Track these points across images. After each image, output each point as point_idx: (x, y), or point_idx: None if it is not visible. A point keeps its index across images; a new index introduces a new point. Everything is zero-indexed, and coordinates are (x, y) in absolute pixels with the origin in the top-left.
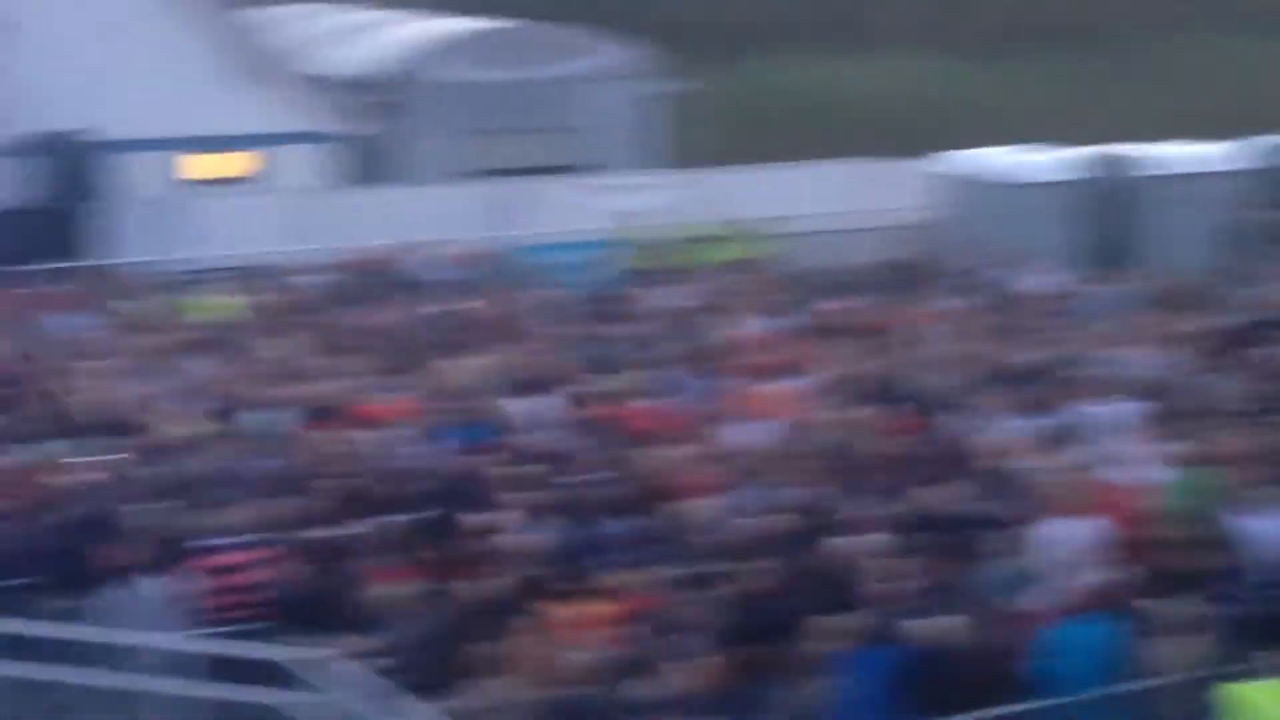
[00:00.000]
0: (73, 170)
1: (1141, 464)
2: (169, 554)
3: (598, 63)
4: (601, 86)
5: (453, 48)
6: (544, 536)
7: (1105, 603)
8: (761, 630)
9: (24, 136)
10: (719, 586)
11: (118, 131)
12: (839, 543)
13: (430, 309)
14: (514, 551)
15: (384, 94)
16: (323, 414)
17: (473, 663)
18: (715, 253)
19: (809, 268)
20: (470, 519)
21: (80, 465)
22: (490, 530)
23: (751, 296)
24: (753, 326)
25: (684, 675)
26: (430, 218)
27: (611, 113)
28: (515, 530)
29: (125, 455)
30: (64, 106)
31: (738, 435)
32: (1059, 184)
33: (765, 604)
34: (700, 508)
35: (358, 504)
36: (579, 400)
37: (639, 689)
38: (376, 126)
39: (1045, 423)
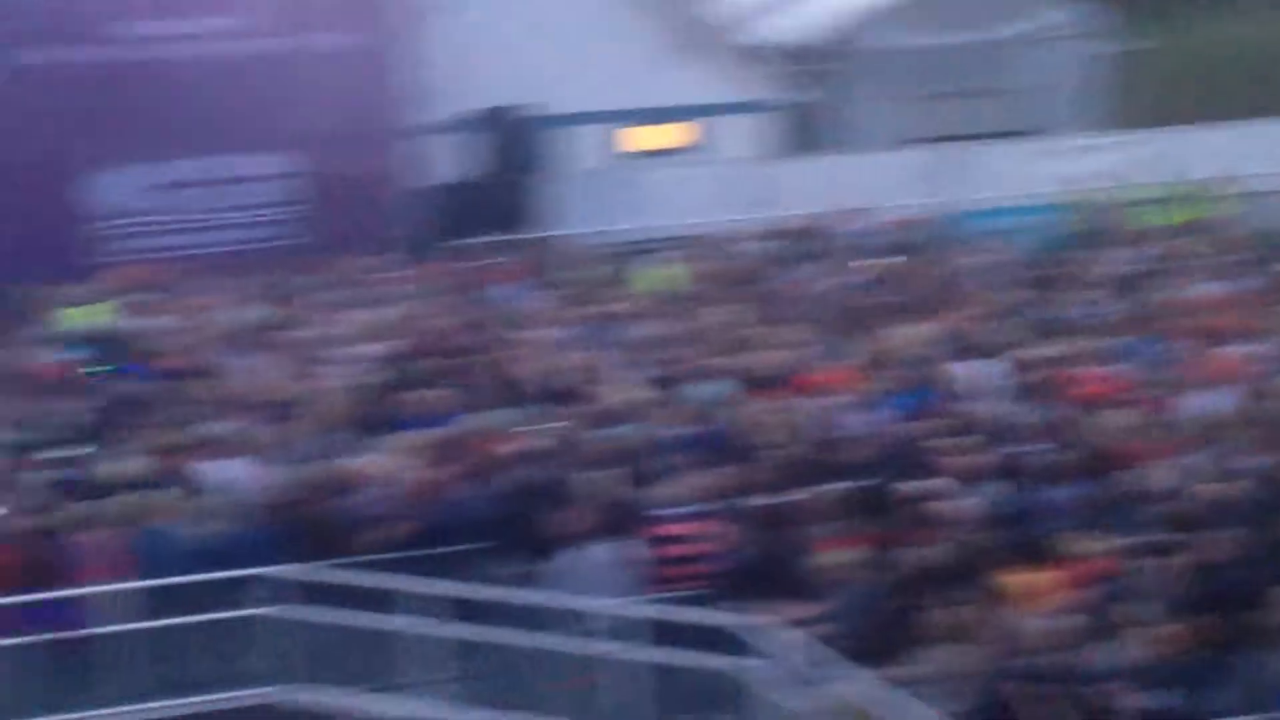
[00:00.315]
0: (515, 145)
1: None
2: (616, 521)
3: (1040, 23)
4: (1045, 47)
5: (892, 13)
6: (987, 503)
7: None
8: (1221, 600)
9: (468, 113)
10: (1176, 555)
11: (559, 106)
12: None
13: (871, 276)
14: (956, 518)
15: (822, 61)
16: (765, 382)
17: (919, 630)
18: (1166, 215)
19: (1268, 228)
20: (912, 486)
21: (528, 433)
22: (932, 497)
23: (1205, 259)
24: (1206, 289)
25: (1141, 644)
26: (870, 185)
27: (1056, 74)
28: (957, 497)
29: (572, 423)
30: (506, 82)
31: (1192, 401)
32: None
33: (1225, 573)
34: (1153, 475)
35: (800, 472)
36: (1024, 366)
37: (1095, 657)
38: (814, 94)
39: None
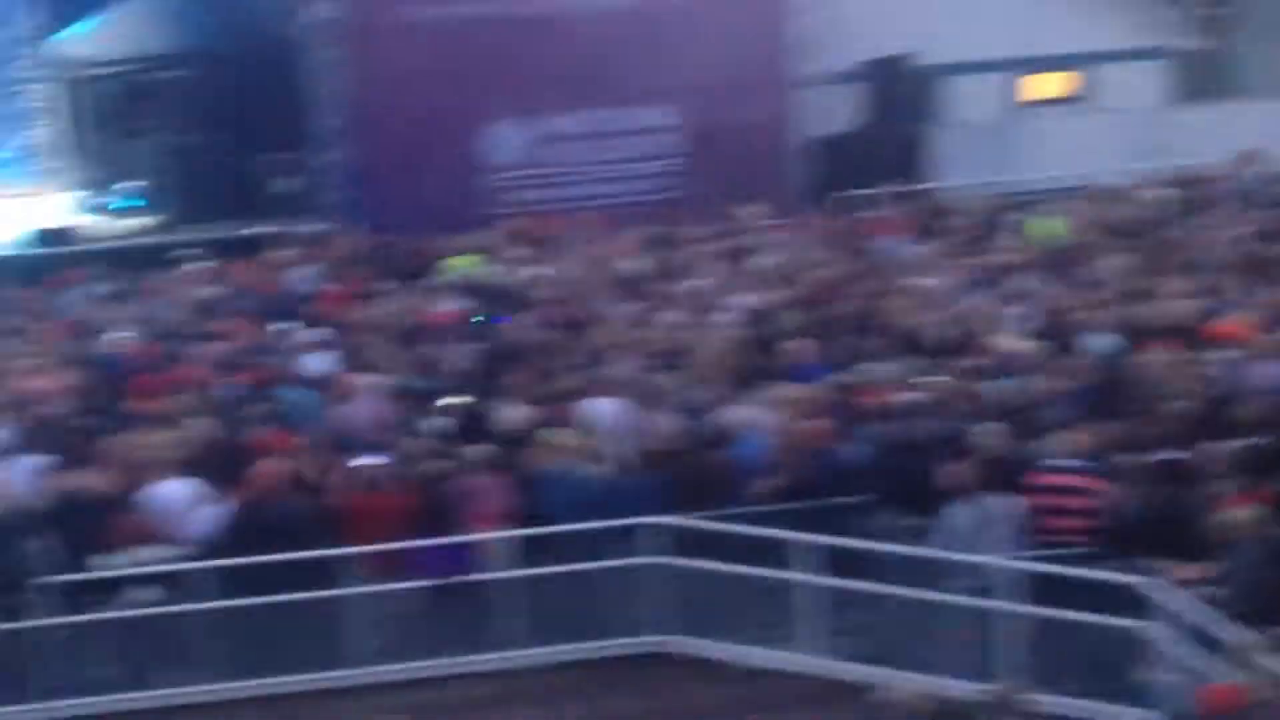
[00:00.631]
0: (903, 94)
1: None
2: (1002, 475)
3: None
4: None
5: None
6: None
7: None
8: None
9: (857, 62)
10: None
11: (947, 55)
12: None
13: (1270, 225)
14: None
15: (1219, 5)
16: (1158, 335)
17: None
18: None
19: None
20: None
21: (913, 385)
22: None
23: None
24: None
25: None
26: (1270, 133)
27: None
28: None
29: (958, 376)
30: (896, 31)
31: None
32: None
33: None
34: None
35: (1195, 427)
36: None
37: None
38: (1211, 40)
39: None
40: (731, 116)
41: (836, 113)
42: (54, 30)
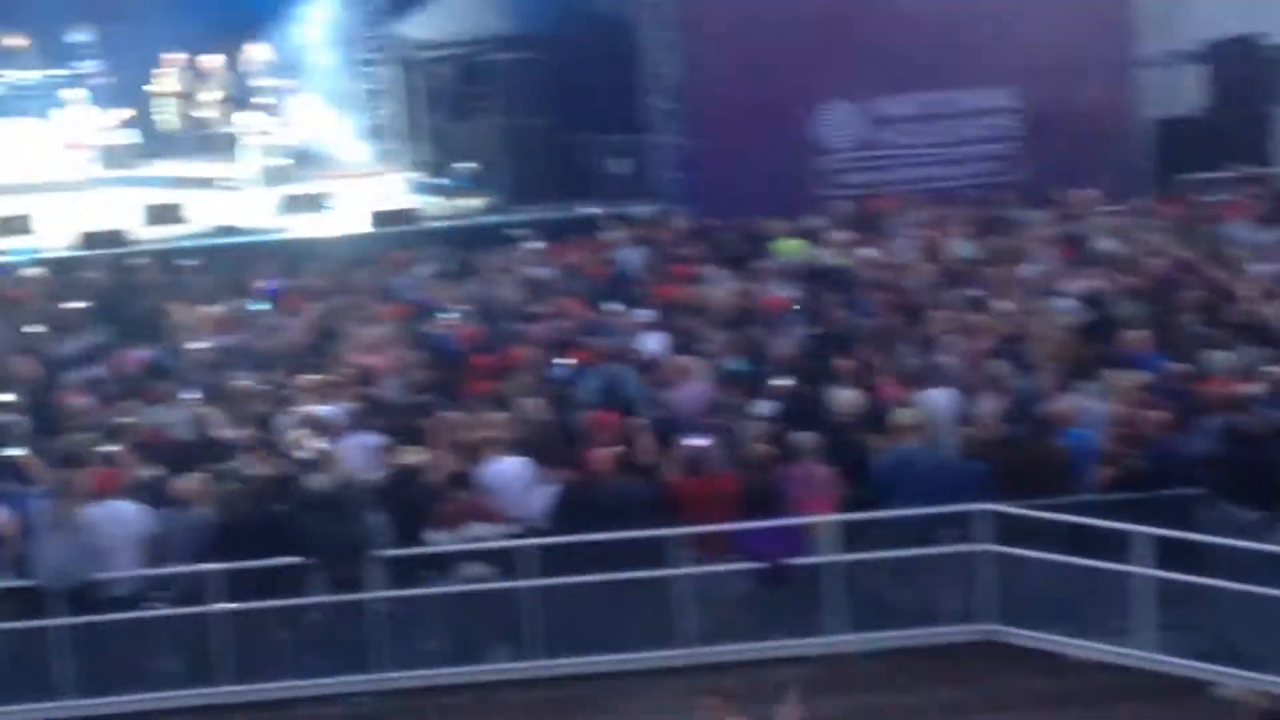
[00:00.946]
0: (1252, 75)
1: None
2: None
3: None
4: None
5: None
6: None
7: None
8: None
9: (1201, 42)
10: None
11: None
12: None
13: None
14: None
15: None
16: None
17: None
18: None
19: None
20: None
21: (1263, 375)
22: None
23: None
24: None
25: None
26: None
27: None
28: None
29: None
30: (1242, 9)
31: None
32: None
33: None
34: None
35: None
36: None
37: None
38: None
39: None
40: (1069, 98)
41: (1179, 94)
42: (391, 13)
